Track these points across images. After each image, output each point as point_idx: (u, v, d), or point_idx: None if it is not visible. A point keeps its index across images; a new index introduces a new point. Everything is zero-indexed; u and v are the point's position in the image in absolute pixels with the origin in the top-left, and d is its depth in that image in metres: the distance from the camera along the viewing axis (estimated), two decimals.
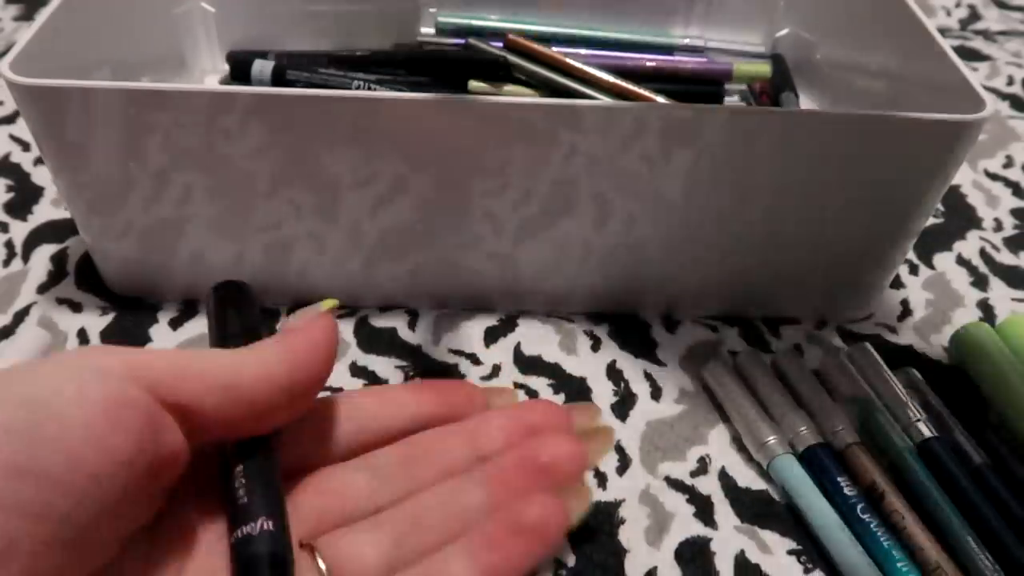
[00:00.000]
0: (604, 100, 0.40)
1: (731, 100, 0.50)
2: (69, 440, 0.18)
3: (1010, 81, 0.59)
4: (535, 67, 0.43)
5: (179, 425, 0.21)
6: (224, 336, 0.27)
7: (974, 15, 0.67)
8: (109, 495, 0.19)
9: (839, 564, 0.29)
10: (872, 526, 0.30)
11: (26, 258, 0.41)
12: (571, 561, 0.29)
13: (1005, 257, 0.44)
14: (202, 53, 0.49)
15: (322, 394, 0.26)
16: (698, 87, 0.47)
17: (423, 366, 0.36)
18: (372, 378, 0.36)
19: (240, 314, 0.28)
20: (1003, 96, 0.58)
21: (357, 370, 0.36)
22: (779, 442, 0.32)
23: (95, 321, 0.38)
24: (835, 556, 0.30)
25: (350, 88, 0.43)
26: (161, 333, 0.37)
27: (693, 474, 0.33)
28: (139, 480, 0.20)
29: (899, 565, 0.29)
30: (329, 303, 0.27)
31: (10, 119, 0.50)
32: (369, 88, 0.43)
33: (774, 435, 0.33)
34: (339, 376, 0.36)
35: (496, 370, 0.36)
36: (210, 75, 0.49)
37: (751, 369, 0.35)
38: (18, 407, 0.18)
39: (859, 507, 0.30)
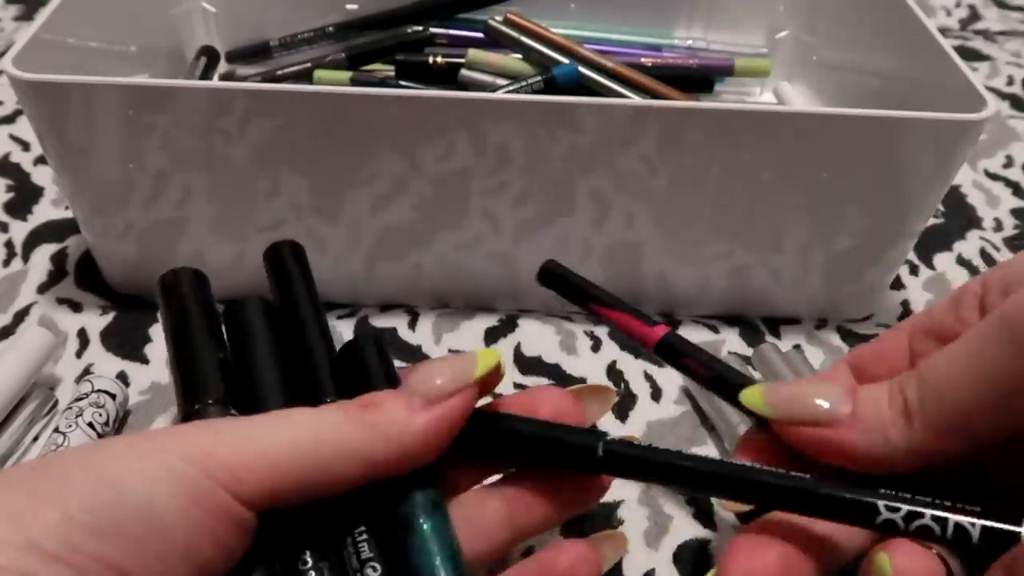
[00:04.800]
0: (602, 99, 0.40)
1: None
2: (170, 554, 0.19)
3: (1010, 81, 0.59)
4: (537, 44, 0.44)
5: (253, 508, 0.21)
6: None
7: (974, 15, 0.67)
8: None
9: None
10: None
11: (26, 258, 0.41)
12: None
13: (1005, 257, 0.44)
14: None
15: None
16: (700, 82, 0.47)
17: None
18: None
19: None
20: (1003, 96, 0.58)
21: None
22: None
23: (95, 321, 0.38)
24: None
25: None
26: (161, 333, 0.37)
27: None
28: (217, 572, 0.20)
29: None
30: (487, 360, 0.23)
31: (10, 119, 0.50)
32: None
33: None
34: None
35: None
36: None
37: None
38: (134, 516, 0.18)
39: None
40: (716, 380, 0.26)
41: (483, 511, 0.24)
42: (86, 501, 0.18)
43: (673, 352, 0.27)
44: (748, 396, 0.24)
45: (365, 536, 0.22)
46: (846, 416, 0.22)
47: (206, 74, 0.47)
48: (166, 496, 0.19)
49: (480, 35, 0.46)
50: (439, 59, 0.45)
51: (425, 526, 0.22)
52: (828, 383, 0.23)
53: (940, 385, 0.21)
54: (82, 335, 0.37)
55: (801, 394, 0.23)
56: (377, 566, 0.22)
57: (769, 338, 0.38)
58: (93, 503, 0.18)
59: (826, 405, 0.22)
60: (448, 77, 0.45)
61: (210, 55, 0.48)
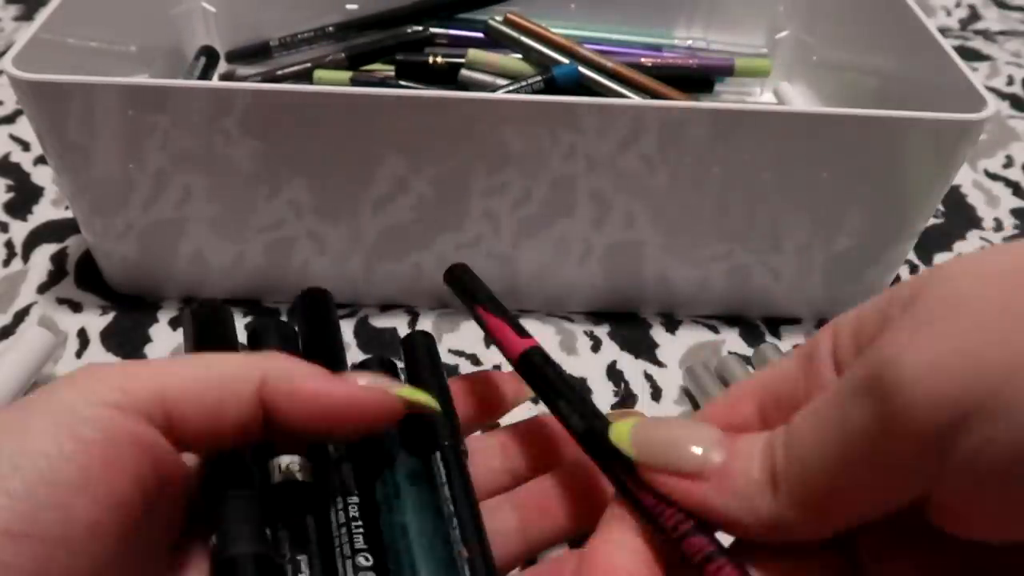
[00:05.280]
0: (602, 99, 0.40)
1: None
2: (64, 498, 0.18)
3: (1010, 81, 0.59)
4: (537, 44, 0.44)
5: (172, 439, 0.20)
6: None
7: (974, 15, 0.67)
8: (111, 536, 0.18)
9: None
10: None
11: (26, 258, 0.41)
12: None
13: None
14: None
15: None
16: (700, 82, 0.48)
17: None
18: None
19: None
20: (1003, 96, 0.58)
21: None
22: None
23: (95, 321, 0.38)
24: None
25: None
26: (161, 332, 0.37)
27: None
28: (141, 512, 0.19)
29: None
30: (418, 395, 0.23)
31: (10, 119, 0.50)
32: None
33: None
34: None
35: (496, 371, 0.36)
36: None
37: (731, 372, 0.35)
38: (12, 472, 0.17)
39: None
40: (565, 411, 0.23)
41: (494, 521, 0.24)
42: None
43: (531, 369, 0.25)
44: (618, 433, 0.20)
45: (360, 527, 0.22)
46: (716, 468, 0.19)
47: (206, 74, 0.47)
48: (53, 447, 0.18)
49: (480, 35, 0.46)
50: (439, 59, 0.45)
51: (404, 497, 0.23)
52: (706, 426, 0.20)
53: (801, 450, 0.18)
54: (82, 335, 0.37)
55: (673, 437, 0.19)
56: (369, 556, 0.22)
57: (769, 338, 0.38)
58: None
59: (698, 451, 0.19)
60: (448, 77, 0.45)
61: (210, 55, 0.48)
